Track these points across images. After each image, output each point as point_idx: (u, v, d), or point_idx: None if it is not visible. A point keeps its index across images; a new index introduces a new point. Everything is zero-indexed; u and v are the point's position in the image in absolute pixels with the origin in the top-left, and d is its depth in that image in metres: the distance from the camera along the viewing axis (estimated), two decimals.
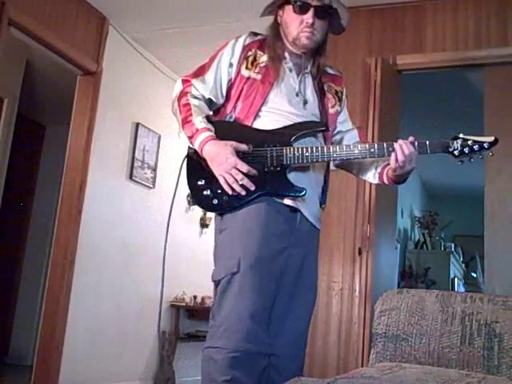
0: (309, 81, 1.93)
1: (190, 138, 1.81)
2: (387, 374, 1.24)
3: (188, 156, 1.87)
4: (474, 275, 8.12)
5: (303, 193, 1.80)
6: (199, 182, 1.82)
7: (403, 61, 3.64)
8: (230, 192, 1.76)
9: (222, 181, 1.77)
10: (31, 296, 5.34)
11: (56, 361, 3.73)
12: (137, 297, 4.46)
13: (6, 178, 4.23)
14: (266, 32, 1.96)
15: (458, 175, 7.57)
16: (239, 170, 1.75)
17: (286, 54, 1.92)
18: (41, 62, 4.54)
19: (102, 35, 4.15)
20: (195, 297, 5.09)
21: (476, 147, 1.80)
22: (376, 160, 1.93)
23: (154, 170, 4.74)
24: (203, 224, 5.47)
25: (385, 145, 1.80)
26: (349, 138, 2.01)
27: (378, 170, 1.94)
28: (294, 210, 1.82)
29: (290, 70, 1.90)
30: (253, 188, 1.76)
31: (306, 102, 1.89)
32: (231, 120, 1.88)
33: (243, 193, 1.76)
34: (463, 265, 8.21)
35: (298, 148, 1.79)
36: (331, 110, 1.96)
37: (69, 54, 3.86)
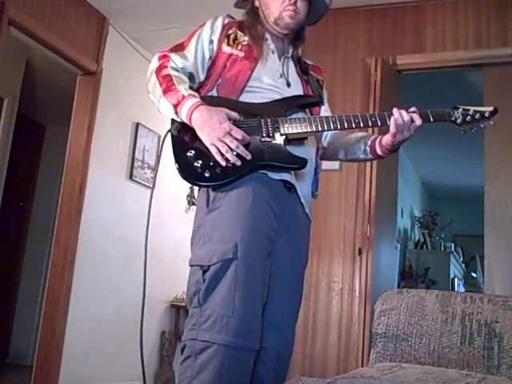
0: (291, 65, 1.86)
1: (176, 106, 1.65)
2: (387, 374, 1.24)
3: (171, 132, 1.74)
4: (474, 275, 8.12)
5: (305, 163, 1.67)
6: (188, 154, 1.64)
7: (403, 61, 3.64)
8: (223, 163, 1.60)
9: (213, 150, 1.60)
10: (31, 296, 5.34)
11: (56, 361, 3.73)
12: (137, 297, 4.45)
13: (6, 178, 4.23)
14: (243, 17, 1.89)
15: (458, 175, 7.58)
16: (234, 137, 1.60)
17: (268, 36, 1.85)
18: (41, 62, 4.54)
19: (102, 35, 4.15)
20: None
21: (477, 116, 1.76)
22: (362, 137, 1.88)
23: (154, 169, 4.74)
24: None
25: (385, 113, 1.73)
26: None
27: (368, 143, 1.86)
28: (289, 187, 1.70)
29: (273, 52, 1.83)
30: (249, 157, 1.61)
31: (289, 84, 1.80)
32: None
33: (238, 163, 1.60)
34: (463, 265, 8.22)
35: (294, 118, 1.69)
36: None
37: (69, 54, 3.86)
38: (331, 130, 1.74)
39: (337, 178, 3.53)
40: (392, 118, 1.71)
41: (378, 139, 1.83)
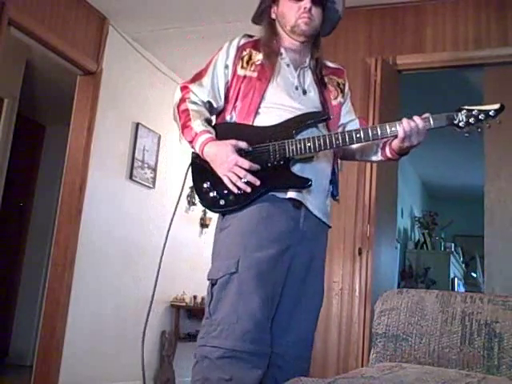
0: (308, 74, 1.94)
1: (191, 142, 1.82)
2: (387, 374, 1.24)
3: (192, 161, 1.88)
4: (474, 275, 8.12)
5: (309, 183, 1.78)
6: (204, 185, 1.82)
7: (403, 61, 3.64)
8: (235, 191, 1.76)
9: (226, 180, 1.76)
10: (31, 296, 5.34)
11: (56, 361, 3.73)
12: (137, 297, 4.46)
13: (6, 178, 4.23)
14: (260, 33, 1.97)
15: (458, 175, 7.59)
16: (241, 167, 1.74)
17: (282, 50, 1.93)
18: (41, 62, 4.54)
19: (102, 35, 4.16)
20: (195, 297, 5.09)
21: (482, 116, 1.75)
22: (375, 143, 1.94)
23: (154, 170, 4.74)
24: (203, 224, 5.47)
25: (387, 125, 1.79)
26: (350, 127, 1.99)
27: (380, 145, 1.94)
28: (298, 205, 1.79)
29: (288, 65, 1.91)
30: (258, 183, 1.75)
31: (304, 92, 1.89)
32: (232, 121, 1.87)
33: (248, 190, 1.75)
34: (463, 265, 8.22)
35: (299, 140, 1.78)
36: (334, 102, 1.96)
37: (69, 54, 3.86)
38: (333, 147, 1.81)
39: None
40: (400, 127, 1.78)
41: (389, 142, 1.89)
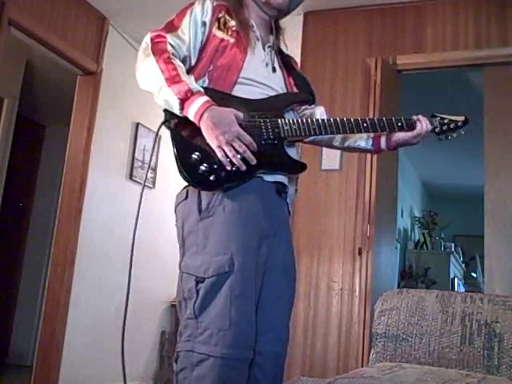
0: (273, 54, 1.81)
1: (183, 101, 1.56)
2: (387, 374, 1.24)
3: (168, 126, 1.68)
4: (474, 275, 8.12)
5: (305, 167, 1.68)
6: (193, 156, 1.57)
7: (403, 61, 3.64)
8: (228, 167, 1.56)
9: (220, 154, 1.55)
10: (31, 296, 5.34)
11: (56, 361, 3.73)
12: (137, 297, 4.45)
13: (6, 178, 4.23)
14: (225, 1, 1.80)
15: (458, 175, 7.59)
16: (242, 142, 1.56)
17: (253, 22, 1.80)
18: (41, 62, 4.53)
19: (102, 35, 4.15)
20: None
21: (452, 125, 1.79)
22: None
23: (154, 170, 4.74)
24: None
25: (393, 119, 1.75)
26: (320, 114, 1.89)
27: (372, 134, 1.84)
28: (281, 191, 1.69)
29: (258, 40, 1.78)
30: (254, 162, 1.57)
31: (274, 70, 1.77)
32: (204, 85, 1.67)
33: (243, 168, 1.56)
34: (463, 265, 8.22)
35: (294, 120, 1.66)
36: (294, 89, 1.85)
37: (69, 54, 3.86)
38: (328, 133, 1.72)
39: (337, 178, 3.53)
40: (419, 124, 1.76)
41: (386, 135, 1.83)
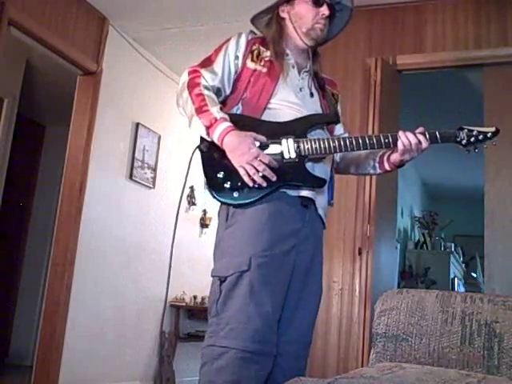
0: (310, 79, 1.96)
1: (208, 127, 1.76)
2: (387, 374, 1.24)
3: (200, 149, 1.83)
4: (474, 275, 8.12)
5: (324, 183, 1.82)
6: (218, 175, 1.77)
7: (403, 61, 3.64)
8: (250, 184, 1.73)
9: (242, 172, 1.73)
10: (31, 296, 5.34)
11: (56, 361, 3.73)
12: (137, 297, 4.46)
13: (6, 178, 4.23)
14: (264, 32, 1.99)
15: (458, 175, 7.58)
16: (261, 161, 1.72)
17: (288, 51, 1.94)
18: (41, 62, 4.54)
19: (102, 35, 4.16)
20: (195, 297, 5.09)
21: (481, 137, 1.83)
22: (371, 153, 1.97)
23: (154, 170, 4.74)
24: (203, 224, 5.47)
25: (397, 134, 1.82)
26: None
27: (377, 159, 1.96)
28: (306, 204, 1.81)
29: (293, 67, 1.93)
30: (274, 179, 1.74)
31: (312, 95, 1.92)
32: (238, 112, 1.86)
33: (264, 184, 1.73)
34: (463, 265, 8.22)
35: (314, 139, 1.80)
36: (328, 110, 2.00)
37: (69, 53, 3.86)
38: (348, 150, 1.84)
39: (337, 178, 3.52)
40: (399, 141, 1.80)
41: (386, 156, 1.92)
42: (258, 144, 1.76)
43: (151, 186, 4.69)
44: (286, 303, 1.76)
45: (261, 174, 1.72)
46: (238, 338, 1.62)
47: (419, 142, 1.79)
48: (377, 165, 1.96)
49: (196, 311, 5.14)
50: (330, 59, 3.71)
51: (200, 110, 1.77)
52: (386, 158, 1.92)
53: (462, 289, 7.67)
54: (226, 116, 1.78)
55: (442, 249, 7.37)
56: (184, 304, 4.99)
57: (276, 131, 1.80)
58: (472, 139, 1.83)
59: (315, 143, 1.79)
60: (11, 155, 4.29)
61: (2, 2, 3.28)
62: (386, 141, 1.82)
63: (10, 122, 4.30)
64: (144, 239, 4.53)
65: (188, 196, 5.13)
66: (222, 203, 1.81)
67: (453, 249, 7.35)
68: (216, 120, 1.75)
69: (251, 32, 1.97)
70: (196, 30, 4.20)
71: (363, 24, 3.73)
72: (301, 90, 1.91)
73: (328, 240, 3.46)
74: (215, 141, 1.76)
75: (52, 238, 4.06)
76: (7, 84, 4.23)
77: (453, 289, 7.04)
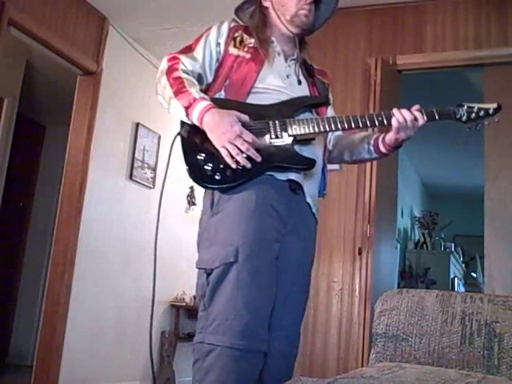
0: (297, 67, 1.88)
1: (187, 108, 1.66)
2: (387, 374, 1.24)
3: (180, 134, 1.74)
4: (474, 275, 8.12)
5: (313, 164, 1.70)
6: (198, 157, 1.66)
7: (403, 61, 3.64)
8: (233, 165, 1.61)
9: (224, 153, 1.61)
10: (31, 296, 5.34)
11: (56, 361, 3.73)
12: (136, 297, 4.46)
13: (6, 178, 4.23)
14: (248, 21, 1.93)
15: (458, 175, 7.59)
16: (244, 140, 1.61)
17: (273, 39, 1.88)
18: (41, 62, 4.54)
19: (102, 35, 4.16)
20: (195, 297, 5.08)
21: (482, 113, 1.76)
22: (365, 137, 1.90)
23: (154, 170, 4.74)
24: None
25: (391, 112, 1.74)
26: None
27: (371, 142, 1.87)
28: (295, 188, 1.71)
29: (279, 54, 1.86)
30: (259, 159, 1.62)
31: (300, 82, 1.84)
32: (221, 97, 1.78)
33: (248, 165, 1.61)
34: (463, 265, 8.22)
35: (302, 119, 1.71)
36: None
37: (69, 53, 3.86)
38: (338, 129, 1.76)
39: (337, 178, 3.53)
40: (393, 118, 1.72)
41: (381, 138, 1.84)
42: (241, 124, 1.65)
43: (151, 185, 4.69)
44: (278, 298, 1.66)
45: (245, 155, 1.61)
46: (225, 335, 1.54)
47: (415, 118, 1.73)
48: (372, 148, 1.87)
49: (196, 311, 5.12)
50: (330, 59, 3.71)
51: (178, 92, 1.70)
52: (380, 139, 1.84)
53: (462, 289, 7.67)
54: (206, 96, 1.71)
55: (442, 249, 7.37)
56: (184, 304, 4.99)
57: (262, 113, 1.71)
58: (472, 116, 1.76)
59: (303, 123, 1.70)
60: (11, 155, 4.29)
61: (2, 2, 3.28)
62: (380, 119, 1.74)
63: (10, 122, 4.30)
64: (144, 239, 4.52)
65: (188, 196, 5.12)
66: (204, 187, 1.71)
67: (453, 249, 7.35)
68: (195, 99, 1.66)
69: (234, 20, 1.92)
70: (196, 30, 4.16)
71: (363, 24, 3.73)
72: (288, 76, 1.83)
73: (328, 240, 3.47)
74: (195, 121, 1.67)
75: (52, 238, 4.06)
76: (7, 84, 4.23)
77: (453, 289, 7.04)
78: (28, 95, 4.80)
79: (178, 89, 1.70)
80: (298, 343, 1.76)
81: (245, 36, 1.85)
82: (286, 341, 1.69)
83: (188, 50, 1.85)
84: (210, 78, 1.83)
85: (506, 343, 1.42)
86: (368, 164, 3.41)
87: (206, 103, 1.66)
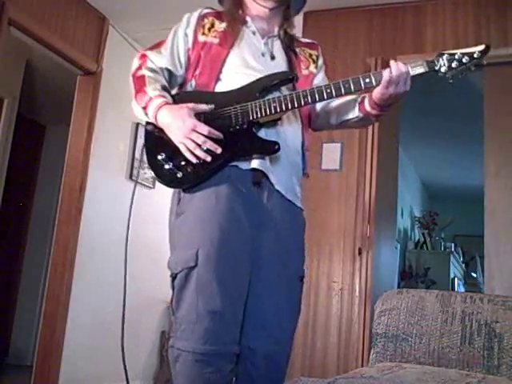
0: (277, 43, 1.81)
1: (144, 108, 1.66)
2: (387, 374, 1.24)
3: (145, 135, 1.71)
4: (474, 275, 8.12)
5: (276, 147, 1.59)
6: (159, 157, 1.63)
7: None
8: (193, 160, 1.57)
9: (182, 148, 1.58)
10: (31, 296, 5.34)
11: (56, 361, 3.73)
12: (137, 297, 4.46)
13: (6, 178, 4.23)
14: (222, 5, 1.89)
15: (458, 175, 7.59)
16: (200, 133, 1.56)
17: (248, 19, 1.81)
18: (41, 62, 4.53)
19: (102, 35, 4.15)
20: None
21: (465, 59, 1.59)
22: (353, 98, 1.76)
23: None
24: None
25: (360, 77, 1.62)
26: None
27: (358, 100, 1.74)
28: (259, 179, 1.61)
29: (254, 33, 1.79)
30: (219, 151, 1.56)
31: (273, 58, 1.76)
32: (192, 88, 1.74)
33: (208, 159, 1.56)
34: (463, 265, 8.22)
35: (263, 101, 1.61)
36: (304, 71, 1.82)
37: (69, 53, 3.86)
38: (301, 106, 1.64)
39: (337, 177, 3.53)
40: (386, 70, 1.63)
41: (368, 94, 1.71)
42: (201, 117, 1.60)
43: (151, 186, 4.68)
44: (253, 296, 1.59)
45: (204, 148, 1.56)
46: (188, 340, 1.51)
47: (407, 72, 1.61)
48: (357, 105, 1.73)
49: None
50: (330, 59, 3.71)
51: (138, 92, 1.70)
52: (367, 96, 1.70)
53: (462, 289, 7.67)
54: (164, 93, 1.67)
55: (442, 249, 7.37)
56: None
57: (226, 100, 1.63)
58: (454, 64, 1.58)
59: (264, 105, 1.59)
60: (11, 155, 4.29)
61: (2, 2, 3.28)
62: (367, 80, 1.61)
63: (10, 122, 4.30)
64: (144, 239, 4.52)
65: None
66: (169, 187, 1.68)
67: (453, 249, 7.35)
68: (150, 98, 1.64)
69: (207, 7, 1.86)
70: None
71: (363, 24, 3.73)
72: (263, 55, 1.75)
73: (328, 240, 3.47)
74: (152, 121, 1.65)
75: (52, 238, 4.05)
76: (7, 84, 4.23)
77: (453, 289, 7.04)
78: (28, 95, 4.79)
79: (138, 89, 1.71)
80: (288, 342, 1.67)
81: (216, 22, 1.80)
82: (270, 340, 1.61)
83: (157, 45, 1.84)
84: (181, 71, 1.78)
85: (505, 343, 1.42)
86: (368, 164, 3.41)
87: (159, 101, 1.63)
